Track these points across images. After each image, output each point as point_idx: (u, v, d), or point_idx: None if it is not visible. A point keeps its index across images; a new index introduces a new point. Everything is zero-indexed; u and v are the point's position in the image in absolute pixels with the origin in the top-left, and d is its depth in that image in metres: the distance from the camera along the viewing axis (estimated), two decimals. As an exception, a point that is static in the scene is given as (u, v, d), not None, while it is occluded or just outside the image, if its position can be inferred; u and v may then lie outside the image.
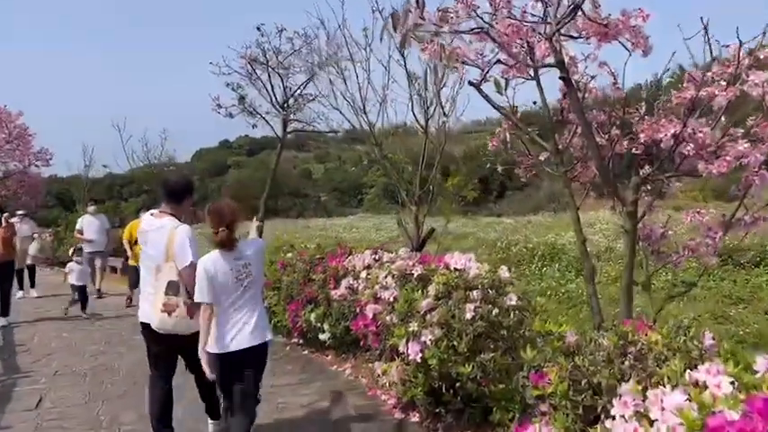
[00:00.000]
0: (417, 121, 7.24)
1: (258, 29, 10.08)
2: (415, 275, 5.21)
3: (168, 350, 4.32)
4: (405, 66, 7.23)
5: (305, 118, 11.14)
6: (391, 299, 5.10)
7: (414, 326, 4.52)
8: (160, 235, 4.17)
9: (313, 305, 6.75)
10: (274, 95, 10.69)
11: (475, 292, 4.49)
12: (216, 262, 3.85)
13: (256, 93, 10.77)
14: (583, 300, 11.02)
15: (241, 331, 3.86)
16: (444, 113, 6.95)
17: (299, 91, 10.75)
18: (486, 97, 3.97)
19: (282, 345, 7.40)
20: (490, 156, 6.60)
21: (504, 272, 5.05)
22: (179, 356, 4.41)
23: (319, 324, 6.65)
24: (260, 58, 10.37)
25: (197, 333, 3.86)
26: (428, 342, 4.35)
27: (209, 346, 3.83)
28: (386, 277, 5.45)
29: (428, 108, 7.01)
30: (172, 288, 4.06)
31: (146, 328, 4.26)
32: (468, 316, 4.27)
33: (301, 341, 7.31)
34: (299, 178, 75.07)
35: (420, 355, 4.35)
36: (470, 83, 3.99)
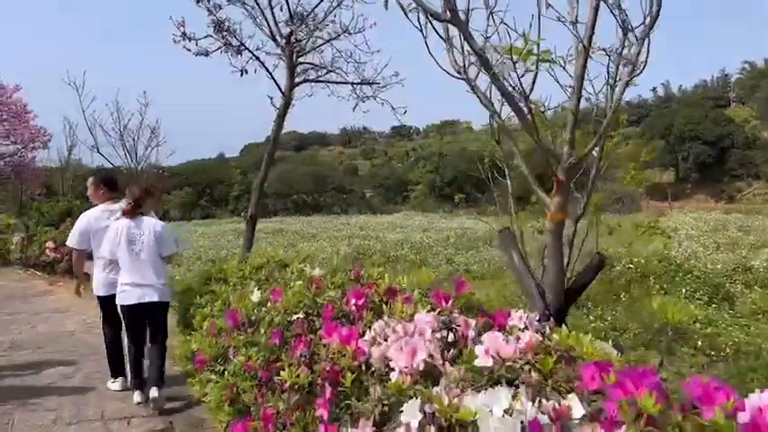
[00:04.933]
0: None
1: None
2: None
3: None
4: None
5: (324, 62, 6.94)
6: None
7: None
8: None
9: (281, 442, 2.55)
10: (274, 22, 6.54)
11: None
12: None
13: (248, 18, 6.65)
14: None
15: (137, 288, 4.55)
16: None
17: (313, 16, 6.55)
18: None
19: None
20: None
21: None
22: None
23: (295, 495, 2.44)
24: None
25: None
26: None
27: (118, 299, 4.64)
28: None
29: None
30: None
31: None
32: None
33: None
34: (344, 174, 71.69)
35: None
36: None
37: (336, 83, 7.02)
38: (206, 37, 6.52)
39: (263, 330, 2.96)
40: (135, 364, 4.71)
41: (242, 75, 6.66)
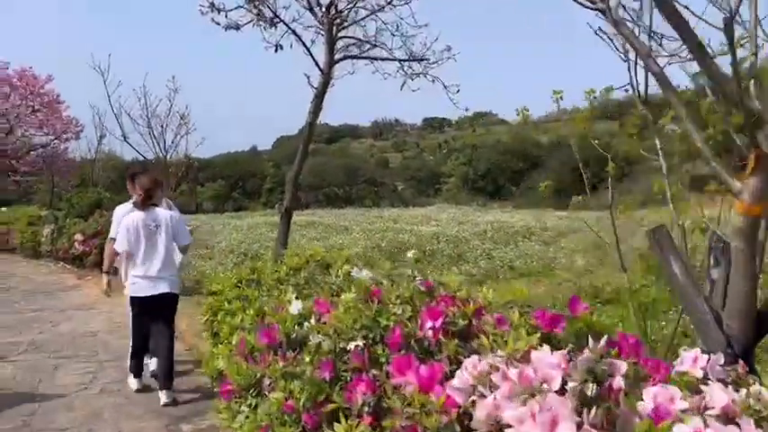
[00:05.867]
0: None
1: None
2: None
3: None
4: None
5: (367, 36, 6.17)
6: None
7: None
8: None
9: None
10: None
11: None
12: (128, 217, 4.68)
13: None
14: None
15: (149, 280, 4.54)
16: None
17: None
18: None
19: None
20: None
21: None
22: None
23: None
24: None
25: None
26: None
27: (126, 291, 4.69)
28: None
29: None
30: None
31: None
32: None
33: None
34: (375, 166, 70.94)
35: None
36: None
37: (382, 59, 6.23)
38: (236, 8, 5.83)
39: (307, 358, 2.24)
40: (136, 354, 4.74)
41: (276, 50, 5.95)
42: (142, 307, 4.61)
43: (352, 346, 2.02)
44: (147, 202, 4.65)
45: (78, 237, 11.43)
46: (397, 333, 2.08)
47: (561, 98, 3.36)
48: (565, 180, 49.01)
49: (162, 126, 11.13)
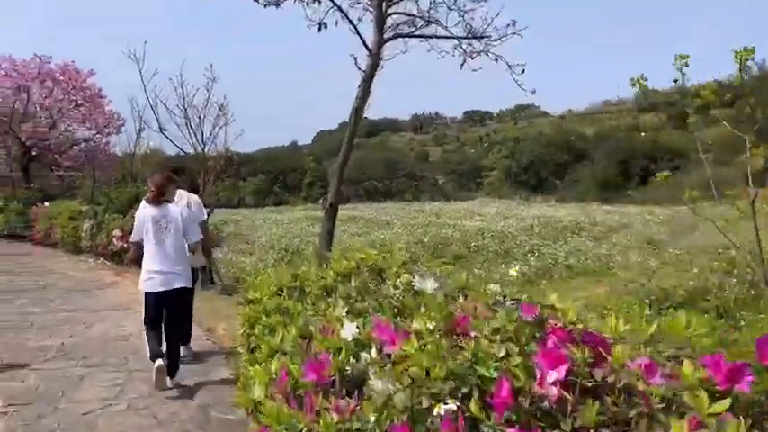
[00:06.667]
0: None
1: None
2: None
3: None
4: None
5: (420, 11, 5.49)
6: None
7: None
8: None
9: None
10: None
11: None
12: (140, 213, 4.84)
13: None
14: None
15: (163, 276, 4.64)
16: None
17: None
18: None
19: None
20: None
21: None
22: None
23: None
24: None
25: None
26: None
27: (140, 286, 4.80)
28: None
29: None
30: None
31: None
32: None
33: None
34: (415, 160, 70.23)
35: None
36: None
37: (437, 37, 5.51)
38: (277, -18, 5.23)
39: (372, 417, 1.61)
40: (155, 342, 4.65)
41: (320, 29, 5.34)
42: (156, 300, 4.69)
43: (443, 410, 1.38)
44: (158, 198, 4.74)
45: (116, 232, 11.15)
46: (505, 388, 1.43)
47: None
48: (610, 173, 47.44)
49: (199, 117, 10.56)
